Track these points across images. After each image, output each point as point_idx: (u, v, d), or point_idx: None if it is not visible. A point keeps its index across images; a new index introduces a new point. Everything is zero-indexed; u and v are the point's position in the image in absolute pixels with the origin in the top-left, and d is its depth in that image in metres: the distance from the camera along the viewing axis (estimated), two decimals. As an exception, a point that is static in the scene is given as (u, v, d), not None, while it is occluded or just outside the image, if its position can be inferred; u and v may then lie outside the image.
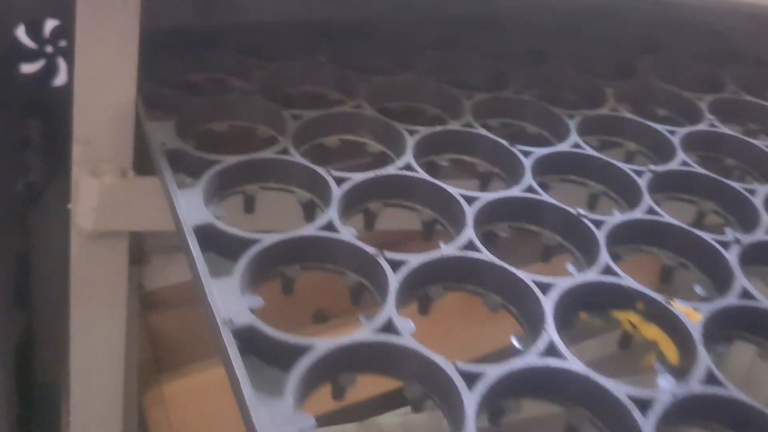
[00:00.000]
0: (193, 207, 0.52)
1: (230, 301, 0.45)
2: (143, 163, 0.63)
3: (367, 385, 0.44)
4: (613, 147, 0.72)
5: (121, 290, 0.75)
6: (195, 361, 0.89)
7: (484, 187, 0.66)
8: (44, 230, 1.00)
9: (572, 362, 0.45)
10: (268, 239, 0.49)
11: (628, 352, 0.53)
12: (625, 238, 0.58)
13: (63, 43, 1.05)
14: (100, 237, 0.70)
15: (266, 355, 0.43)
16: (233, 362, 0.41)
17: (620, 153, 0.71)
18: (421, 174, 0.58)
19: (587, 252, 0.56)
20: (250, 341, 0.43)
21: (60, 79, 1.07)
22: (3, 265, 0.90)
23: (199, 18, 0.78)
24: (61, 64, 1.06)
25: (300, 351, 0.42)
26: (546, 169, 0.64)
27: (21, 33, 1.02)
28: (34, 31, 1.04)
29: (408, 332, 0.45)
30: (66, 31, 0.98)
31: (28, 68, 1.06)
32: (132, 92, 0.64)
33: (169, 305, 0.93)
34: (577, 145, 0.66)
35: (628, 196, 0.63)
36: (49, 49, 1.05)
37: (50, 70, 1.07)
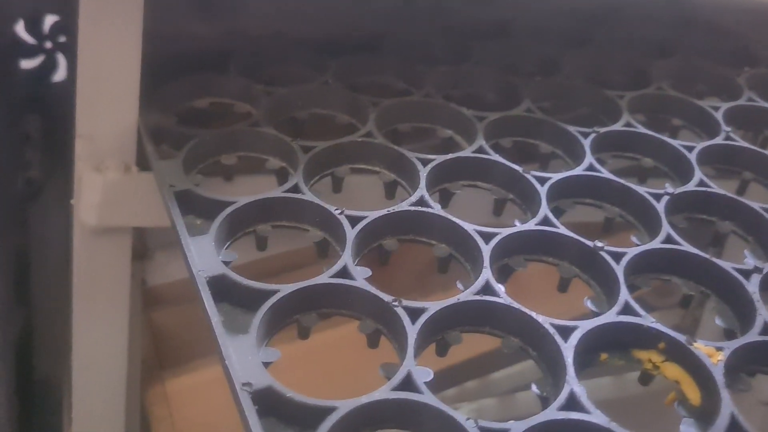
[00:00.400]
0: (205, 257, 0.51)
1: (247, 363, 0.44)
2: (147, 159, 0.62)
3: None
4: (629, 162, 0.71)
5: (124, 286, 0.75)
6: (198, 358, 0.90)
7: (498, 213, 0.65)
8: (43, 226, 1.00)
9: (595, 416, 0.44)
10: (285, 289, 0.49)
11: (650, 393, 0.52)
12: (644, 267, 0.57)
13: (62, 39, 1.03)
14: (104, 233, 0.70)
15: (286, 415, 0.43)
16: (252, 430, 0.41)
17: (637, 168, 0.70)
18: (436, 209, 0.57)
19: (605, 285, 0.55)
20: (268, 403, 0.43)
21: (59, 75, 1.06)
22: (2, 261, 0.89)
23: (200, 25, 0.77)
24: (61, 60, 1.05)
25: (322, 413, 0.42)
26: (561, 193, 0.63)
27: (20, 29, 1.01)
28: (34, 27, 1.03)
29: (425, 388, 0.44)
30: (65, 26, 0.97)
31: (27, 64, 1.05)
32: (135, 87, 0.64)
33: (172, 302, 0.93)
34: (592, 167, 0.65)
35: (646, 219, 0.62)
36: (48, 44, 1.04)
37: (49, 66, 1.06)
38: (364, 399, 0.43)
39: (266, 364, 0.45)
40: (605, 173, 0.64)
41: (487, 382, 1.02)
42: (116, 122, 0.65)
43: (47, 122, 1.03)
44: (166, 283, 0.91)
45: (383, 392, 0.44)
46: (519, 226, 0.57)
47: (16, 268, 0.95)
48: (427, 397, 0.44)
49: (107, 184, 0.66)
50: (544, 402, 0.47)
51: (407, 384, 0.44)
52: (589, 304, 0.54)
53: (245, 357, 0.45)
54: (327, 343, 0.87)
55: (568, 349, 0.48)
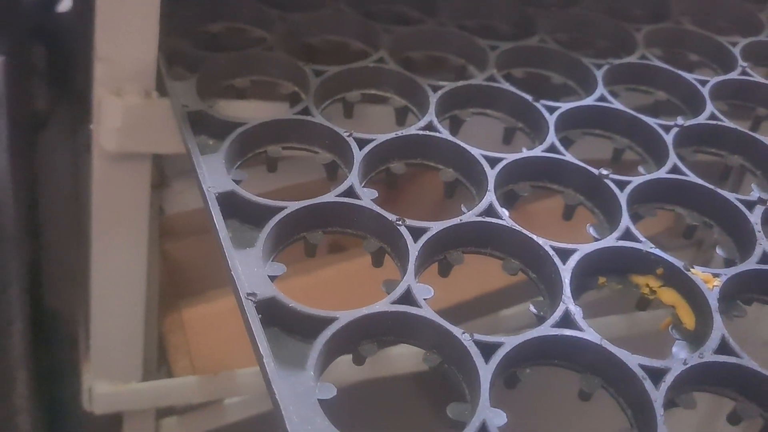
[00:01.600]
0: (216, 174, 0.53)
1: (253, 274, 0.46)
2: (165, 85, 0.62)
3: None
4: (641, 95, 0.70)
5: (143, 214, 0.75)
6: (214, 288, 0.91)
7: (507, 141, 0.65)
8: (51, 158, 1.00)
9: (588, 333, 0.45)
10: (292, 206, 0.50)
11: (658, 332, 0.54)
12: (648, 196, 0.57)
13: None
14: (123, 159, 0.70)
15: (289, 325, 0.45)
16: (256, 337, 0.43)
17: (649, 102, 0.70)
18: (444, 134, 0.58)
19: (608, 213, 0.56)
20: (272, 314, 0.45)
21: (64, 5, 1.04)
22: (10, 193, 0.89)
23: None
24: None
25: (324, 323, 0.43)
26: (570, 123, 0.63)
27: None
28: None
29: (424, 303, 0.46)
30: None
31: (31, -6, 1.03)
32: (156, 10, 0.63)
33: (189, 232, 0.93)
34: (603, 98, 0.65)
35: (654, 151, 0.62)
36: (52, -28, 1.03)
37: (55, -6, 1.04)
38: (365, 310, 0.45)
39: (272, 278, 0.47)
40: (615, 104, 0.64)
41: (496, 319, 1.03)
42: (136, 46, 0.65)
43: (53, 53, 1.01)
44: (183, 213, 0.91)
45: (383, 305, 0.45)
46: (525, 152, 0.57)
47: (24, 200, 0.94)
48: (425, 311, 0.45)
49: (127, 108, 0.66)
50: (541, 321, 0.49)
51: (407, 298, 0.46)
52: (591, 231, 0.55)
53: (251, 269, 0.46)
54: (333, 278, 0.89)
55: (565, 271, 0.49)
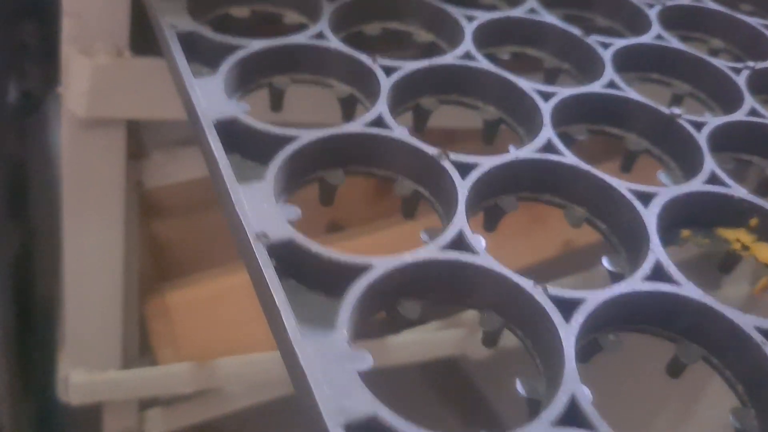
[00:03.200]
0: (213, 99, 0.43)
1: (263, 211, 0.36)
2: (141, 42, 0.56)
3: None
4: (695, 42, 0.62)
5: (118, 186, 0.69)
6: (201, 271, 0.84)
7: (550, 84, 0.56)
8: (43, 141, 0.93)
9: (688, 287, 0.36)
10: (307, 137, 0.40)
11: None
12: (725, 143, 0.48)
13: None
14: (94, 125, 0.64)
15: (310, 277, 0.35)
16: (270, 287, 0.33)
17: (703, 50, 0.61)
18: (485, 64, 0.48)
19: (683, 159, 0.47)
20: (288, 260, 0.35)
21: None
22: None
23: None
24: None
25: (354, 272, 0.34)
26: (626, 65, 0.54)
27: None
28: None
29: (482, 250, 0.36)
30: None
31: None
32: None
33: (174, 211, 0.86)
34: (660, 37, 0.56)
35: (722, 96, 0.53)
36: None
37: (45, -34, 0.96)
38: (408, 258, 0.35)
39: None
40: (676, 44, 0.55)
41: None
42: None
43: (45, 29, 0.95)
44: (166, 189, 0.83)
45: (431, 251, 0.35)
46: (583, 88, 0.48)
47: (13, 183, 0.89)
48: (485, 259, 0.35)
49: (97, 69, 0.60)
50: (617, 278, 0.39)
51: (459, 244, 0.36)
52: (662, 177, 0.46)
53: (260, 204, 0.36)
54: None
55: (649, 216, 0.39)
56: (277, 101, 0.48)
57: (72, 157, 0.67)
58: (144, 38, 0.55)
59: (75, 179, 0.68)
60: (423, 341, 0.89)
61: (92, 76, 0.60)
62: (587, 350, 0.36)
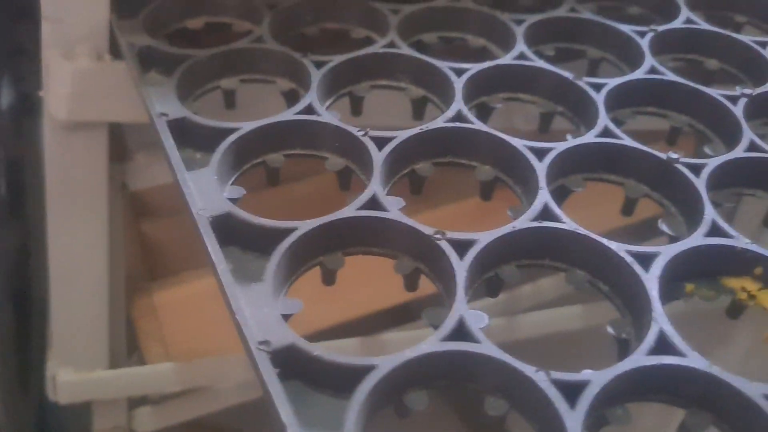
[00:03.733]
0: (206, 191, 0.43)
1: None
2: (134, 79, 0.55)
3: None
4: (693, 66, 0.61)
5: (101, 189, 0.69)
6: (188, 270, 0.83)
7: (545, 129, 0.56)
8: (40, 142, 0.94)
9: (693, 358, 0.36)
10: (305, 226, 0.40)
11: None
12: (727, 181, 0.48)
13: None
14: (76, 128, 0.64)
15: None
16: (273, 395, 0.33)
17: (701, 72, 0.61)
18: (478, 125, 0.48)
19: (683, 203, 0.46)
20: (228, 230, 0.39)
21: None
22: None
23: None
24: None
25: (359, 373, 0.34)
26: (619, 102, 0.53)
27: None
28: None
29: (483, 337, 0.36)
30: None
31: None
32: None
33: (161, 211, 0.86)
34: (654, 70, 0.55)
35: (721, 126, 0.53)
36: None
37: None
38: (409, 354, 0.35)
39: (286, 317, 0.37)
40: (671, 76, 0.55)
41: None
42: (86, 3, 0.58)
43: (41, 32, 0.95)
44: (152, 190, 0.83)
45: (432, 344, 0.35)
46: (578, 139, 0.48)
47: (10, 184, 0.88)
48: (486, 347, 0.35)
49: (77, 73, 0.59)
50: (623, 346, 0.39)
51: (460, 332, 0.36)
52: (664, 228, 0.45)
53: (260, 309, 0.37)
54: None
55: (650, 281, 0.39)
56: (273, 177, 0.49)
57: (54, 160, 0.67)
58: None
59: (58, 182, 0.68)
60: (409, 340, 0.88)
61: (73, 79, 0.60)
62: (493, 285, 0.40)
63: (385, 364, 0.34)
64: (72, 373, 0.78)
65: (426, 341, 0.36)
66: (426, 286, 0.42)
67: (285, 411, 0.32)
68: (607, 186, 0.49)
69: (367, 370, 0.34)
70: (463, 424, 1.07)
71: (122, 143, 0.74)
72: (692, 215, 0.45)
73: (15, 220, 0.88)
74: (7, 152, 0.87)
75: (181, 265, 0.84)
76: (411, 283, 0.43)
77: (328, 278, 0.43)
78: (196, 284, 0.82)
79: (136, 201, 0.86)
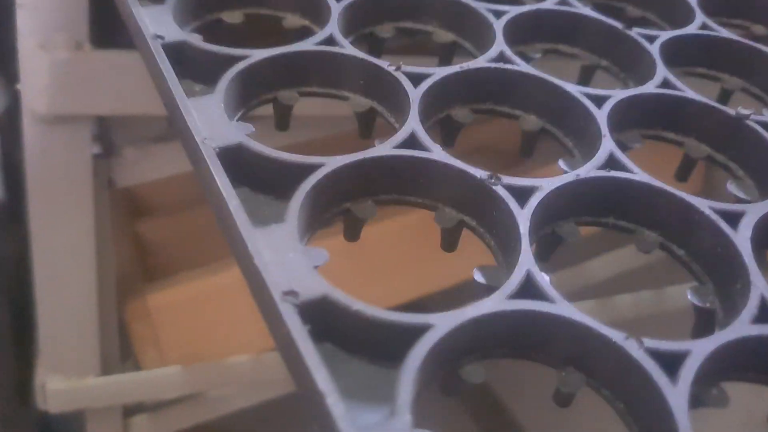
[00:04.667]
0: (213, 120, 0.36)
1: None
2: (102, 35, 0.54)
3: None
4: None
5: (85, 185, 0.66)
6: (183, 271, 0.79)
7: (584, 85, 0.50)
8: None
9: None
10: (331, 163, 0.34)
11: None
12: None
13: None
14: (56, 122, 0.60)
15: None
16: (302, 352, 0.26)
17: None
18: (526, 67, 0.42)
19: (755, 166, 0.41)
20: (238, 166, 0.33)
21: None
22: None
23: None
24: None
25: (410, 334, 0.27)
26: (669, 60, 0.48)
27: None
28: None
29: (557, 295, 0.30)
30: None
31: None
32: None
33: (156, 208, 0.83)
34: (705, 26, 0.50)
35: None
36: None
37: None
38: (471, 312, 0.28)
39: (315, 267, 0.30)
40: (725, 33, 0.50)
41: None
42: None
43: None
44: (147, 187, 0.79)
45: (498, 302, 0.29)
46: (636, 89, 0.42)
47: (9, 185, 0.85)
48: (563, 307, 0.29)
49: (55, 64, 0.56)
50: (707, 317, 0.33)
51: (528, 290, 0.30)
52: (733, 189, 0.40)
53: (284, 254, 0.30)
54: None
55: (742, 241, 0.33)
56: (284, 119, 0.42)
57: (35, 156, 0.63)
58: (105, 30, 0.53)
59: (40, 179, 0.65)
60: None
61: (51, 71, 0.57)
62: (547, 244, 0.35)
63: (443, 322, 0.27)
64: (62, 381, 0.75)
65: (489, 298, 0.29)
66: (439, 281, 0.36)
67: (321, 376, 0.25)
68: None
69: (422, 330, 0.27)
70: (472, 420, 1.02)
71: (107, 137, 0.69)
72: (764, 178, 0.40)
73: (13, 224, 0.85)
74: (5, 154, 0.84)
75: (179, 266, 0.81)
76: (451, 241, 0.36)
77: (352, 231, 0.36)
78: (192, 285, 0.77)
79: (131, 199, 0.82)
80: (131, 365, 0.79)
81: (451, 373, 0.29)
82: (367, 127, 0.42)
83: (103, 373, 0.76)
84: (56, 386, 0.74)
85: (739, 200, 0.39)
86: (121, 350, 0.78)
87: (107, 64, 0.56)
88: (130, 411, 0.81)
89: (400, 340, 0.27)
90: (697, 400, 0.30)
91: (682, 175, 0.44)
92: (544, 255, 0.37)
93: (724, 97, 0.50)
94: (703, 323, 0.33)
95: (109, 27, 0.50)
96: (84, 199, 0.65)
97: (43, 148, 0.61)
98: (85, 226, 0.66)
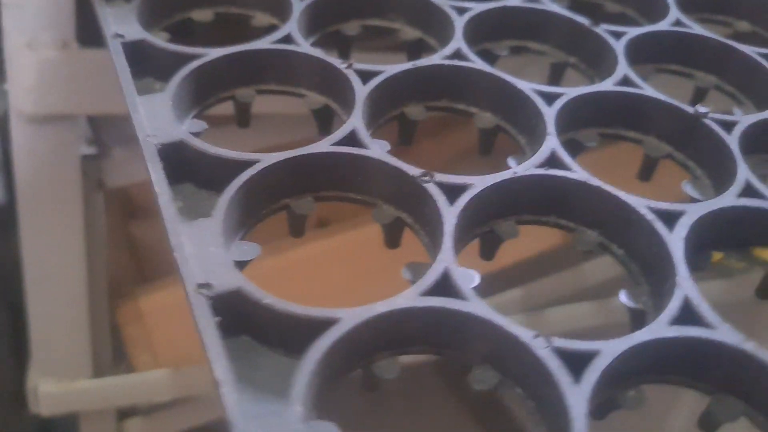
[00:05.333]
0: (159, 117, 0.37)
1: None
2: (89, 33, 0.53)
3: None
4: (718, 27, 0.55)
5: (74, 186, 0.65)
6: (175, 273, 0.78)
7: (555, 82, 0.50)
8: None
9: (722, 330, 0.30)
10: (267, 159, 0.34)
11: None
12: (761, 145, 0.42)
13: None
14: (44, 122, 0.60)
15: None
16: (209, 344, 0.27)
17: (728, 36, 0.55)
18: (479, 64, 0.42)
19: (712, 166, 0.40)
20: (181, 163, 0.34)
21: None
22: None
23: None
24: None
25: (318, 327, 0.28)
26: (640, 56, 0.47)
27: None
28: None
29: (472, 294, 0.30)
30: None
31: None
32: None
33: (151, 209, 0.82)
34: (679, 23, 0.49)
35: (752, 88, 0.47)
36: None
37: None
38: (380, 307, 0.29)
39: (241, 264, 0.31)
40: (699, 30, 0.49)
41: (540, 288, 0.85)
42: None
43: None
44: (140, 188, 0.78)
45: (409, 298, 0.29)
46: (593, 86, 0.42)
47: (10, 186, 0.84)
48: (475, 305, 0.29)
49: (42, 63, 0.56)
50: (638, 316, 0.33)
51: (444, 287, 0.30)
52: (688, 189, 0.39)
53: (205, 248, 0.31)
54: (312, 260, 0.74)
55: (674, 242, 0.33)
56: (243, 116, 0.43)
57: (23, 157, 0.63)
58: (91, 29, 0.52)
59: (28, 179, 0.64)
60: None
61: (37, 70, 0.57)
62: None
63: (350, 317, 0.28)
64: (53, 384, 0.74)
65: (402, 294, 0.29)
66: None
67: (220, 365, 0.26)
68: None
69: (330, 323, 0.28)
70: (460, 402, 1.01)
71: (97, 137, 0.69)
72: (722, 178, 0.39)
73: (12, 228, 0.86)
74: (5, 156, 0.84)
75: (172, 268, 0.80)
76: (392, 238, 0.36)
77: (296, 227, 0.37)
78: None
79: (123, 201, 0.82)
80: (124, 368, 0.79)
81: (366, 368, 0.30)
82: (325, 125, 0.42)
83: (95, 376, 0.76)
84: (48, 389, 0.74)
85: (693, 200, 0.39)
86: (114, 353, 0.78)
87: (94, 63, 0.56)
88: (123, 414, 0.81)
89: (309, 333, 0.28)
90: (613, 403, 0.30)
91: (645, 174, 0.43)
92: (487, 254, 0.37)
93: (699, 95, 0.49)
94: (636, 324, 0.33)
95: (95, 26, 0.51)
96: (73, 200, 0.65)
97: (31, 149, 0.62)
98: (75, 227, 0.66)
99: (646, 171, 0.43)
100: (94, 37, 0.54)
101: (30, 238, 0.66)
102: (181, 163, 0.35)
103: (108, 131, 0.67)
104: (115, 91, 0.51)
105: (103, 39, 0.45)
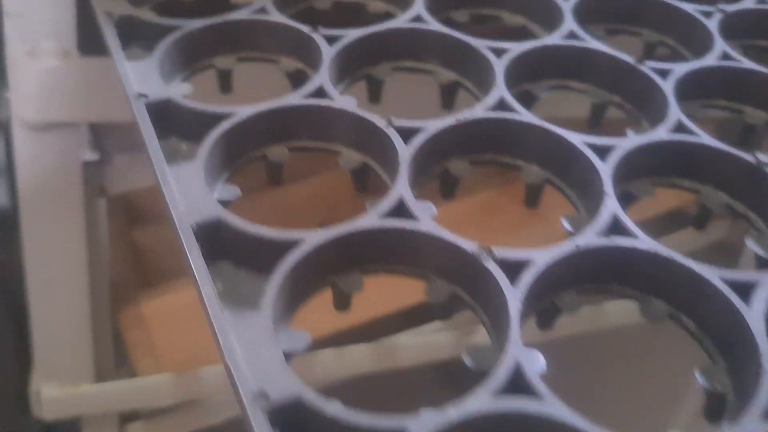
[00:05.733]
0: (146, 78, 0.40)
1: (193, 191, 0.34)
2: (90, 42, 0.54)
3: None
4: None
5: (76, 192, 0.66)
6: (179, 278, 0.79)
7: (595, 123, 0.47)
8: None
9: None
10: (245, 112, 0.37)
11: None
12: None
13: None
14: (46, 129, 0.61)
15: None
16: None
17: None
18: (526, 115, 0.39)
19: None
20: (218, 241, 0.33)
21: None
22: None
23: None
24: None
25: (284, 247, 0.25)
26: (688, 93, 0.45)
27: None
28: None
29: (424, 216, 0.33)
30: None
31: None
32: None
33: (155, 215, 0.83)
34: (727, 56, 0.47)
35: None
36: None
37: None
38: (341, 229, 0.32)
39: (289, 357, 0.29)
40: (747, 63, 0.46)
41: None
42: None
43: None
44: (144, 193, 0.79)
45: (369, 220, 0.33)
46: (646, 136, 0.39)
47: (10, 193, 0.84)
48: (427, 225, 0.32)
49: (44, 71, 0.57)
50: (717, 400, 0.31)
51: (400, 211, 0.33)
52: (753, 246, 0.37)
53: (257, 351, 0.28)
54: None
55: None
56: (225, 82, 0.45)
57: (25, 163, 0.63)
58: (93, 37, 0.51)
59: (30, 186, 0.65)
60: (424, 344, 0.83)
61: (39, 78, 0.57)
62: (546, 314, 0.34)
63: (311, 238, 0.31)
64: (56, 388, 0.75)
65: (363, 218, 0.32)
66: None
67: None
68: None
69: (293, 244, 0.31)
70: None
71: (99, 144, 0.69)
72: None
73: (15, 234, 0.84)
74: (8, 164, 0.82)
75: (174, 273, 0.80)
76: (446, 312, 0.34)
77: (342, 302, 0.34)
78: (187, 292, 0.75)
79: (126, 206, 0.82)
80: (126, 372, 0.79)
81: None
82: (362, 183, 0.40)
83: (97, 380, 0.76)
84: (51, 393, 0.74)
85: (759, 258, 0.36)
86: (116, 357, 0.78)
87: (95, 72, 0.56)
88: (126, 418, 0.81)
89: (277, 252, 0.31)
90: (555, 308, 0.33)
91: (699, 223, 0.41)
92: (545, 324, 0.35)
93: (748, 132, 0.47)
94: (714, 408, 0.31)
95: (96, 34, 0.49)
96: (75, 206, 0.65)
97: (33, 156, 0.62)
98: (77, 232, 0.67)
99: (701, 220, 0.41)
100: (95, 45, 0.53)
101: (33, 243, 0.66)
102: (218, 242, 0.33)
103: (110, 138, 0.67)
104: (116, 99, 0.50)
105: (104, 47, 0.44)
